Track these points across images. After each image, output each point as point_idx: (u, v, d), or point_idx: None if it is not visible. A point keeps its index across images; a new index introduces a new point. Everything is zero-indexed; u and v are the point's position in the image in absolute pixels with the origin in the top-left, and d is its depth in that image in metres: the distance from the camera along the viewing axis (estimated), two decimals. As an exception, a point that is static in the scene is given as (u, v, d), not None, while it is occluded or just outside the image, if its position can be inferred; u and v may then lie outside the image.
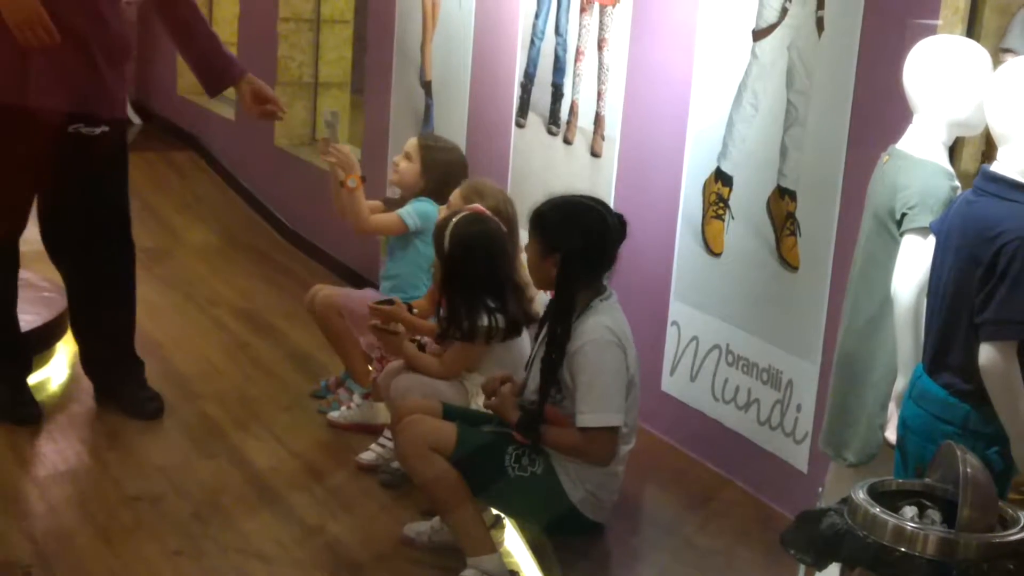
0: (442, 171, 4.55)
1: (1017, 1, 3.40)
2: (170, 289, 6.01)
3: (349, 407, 4.54)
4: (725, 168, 4.09)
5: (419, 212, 4.49)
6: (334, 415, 4.54)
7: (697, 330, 4.25)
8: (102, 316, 4.49)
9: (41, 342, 4.87)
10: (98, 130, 4.16)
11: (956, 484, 2.29)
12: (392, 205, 4.67)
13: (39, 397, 4.66)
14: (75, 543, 3.64)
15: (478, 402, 3.71)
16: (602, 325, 3.36)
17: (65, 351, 5.00)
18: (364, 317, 4.23)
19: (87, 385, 4.74)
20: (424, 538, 3.68)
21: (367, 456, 4.18)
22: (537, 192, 4.54)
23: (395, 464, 4.02)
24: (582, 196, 3.59)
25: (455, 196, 4.19)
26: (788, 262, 3.86)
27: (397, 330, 3.92)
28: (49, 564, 3.51)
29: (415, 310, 4.14)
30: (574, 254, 3.37)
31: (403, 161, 4.62)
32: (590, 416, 3.31)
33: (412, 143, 4.68)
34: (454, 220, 3.81)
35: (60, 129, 4.10)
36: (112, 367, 4.56)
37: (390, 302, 4.15)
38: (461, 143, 5.48)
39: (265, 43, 7.30)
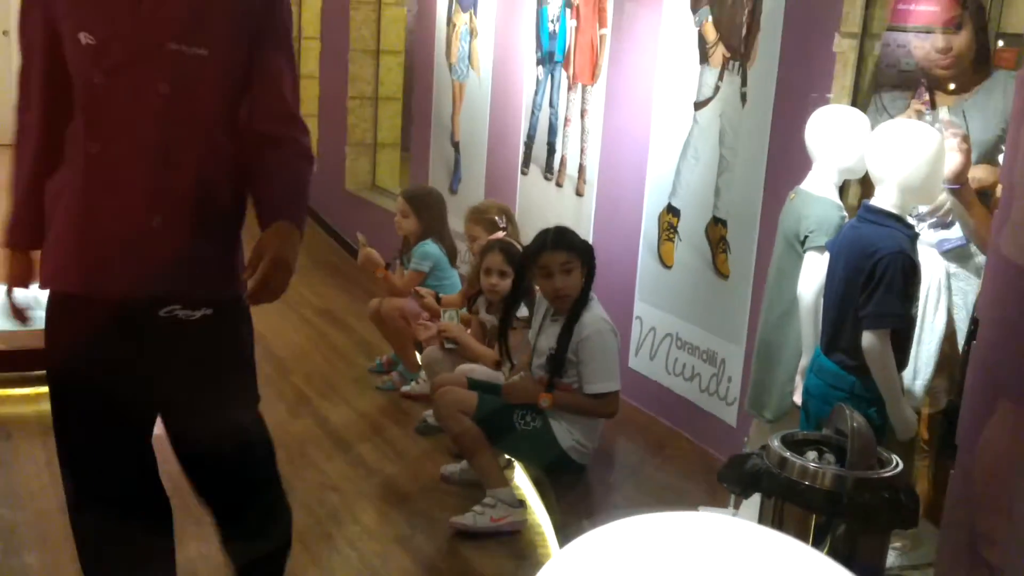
0: (432, 211, 4.47)
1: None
2: (269, 294, 6.01)
3: (419, 383, 4.44)
4: (675, 203, 4.08)
5: (424, 256, 4.43)
6: (406, 388, 4.48)
7: (655, 323, 4.24)
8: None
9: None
10: (198, 313, 2.17)
11: (846, 435, 2.29)
12: (406, 248, 4.58)
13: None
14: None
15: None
16: (601, 318, 3.37)
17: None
18: (419, 316, 4.28)
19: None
20: (455, 476, 3.67)
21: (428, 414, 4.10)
22: (538, 222, 4.53)
23: (430, 419, 4.00)
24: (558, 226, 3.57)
25: (470, 227, 4.16)
26: (721, 273, 3.85)
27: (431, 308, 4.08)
28: (181, 494, 3.49)
29: (441, 300, 4.25)
30: (593, 258, 3.42)
31: (403, 219, 4.49)
32: (600, 384, 3.32)
33: (400, 204, 4.49)
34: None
35: (147, 316, 2.14)
36: None
37: (436, 296, 4.23)
38: (480, 187, 5.50)
39: (338, 114, 7.32)
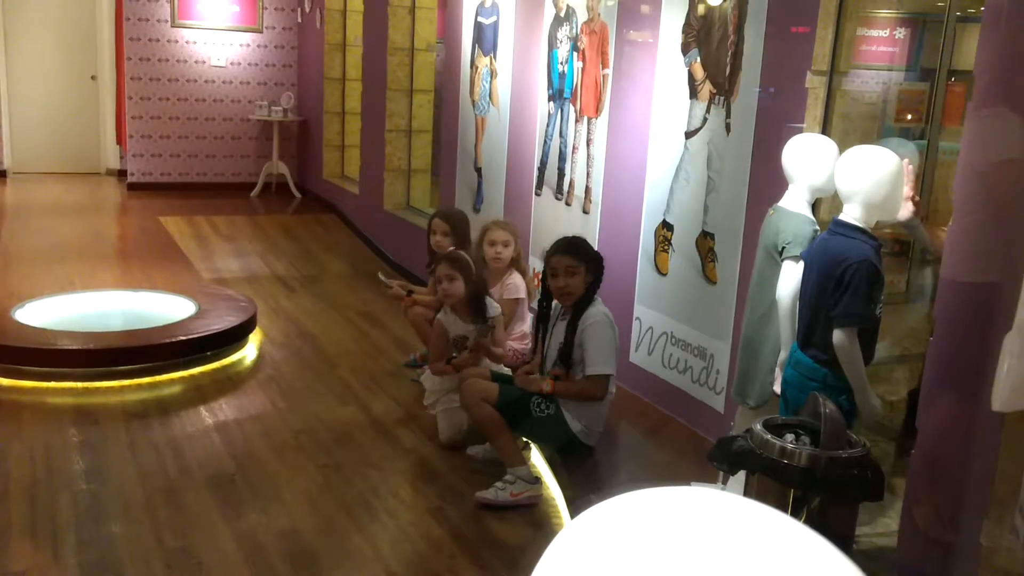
0: (463, 229, 4.46)
1: (855, 110, 3.36)
2: (320, 300, 6.02)
3: None
4: (669, 219, 4.06)
5: None
6: None
7: (652, 323, 4.22)
8: None
9: (239, 334, 4.90)
10: None
11: (819, 420, 2.27)
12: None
13: (237, 369, 4.67)
14: (261, 459, 3.66)
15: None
16: (602, 312, 3.39)
17: (254, 341, 5.02)
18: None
19: (269, 360, 4.74)
20: (480, 455, 3.66)
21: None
22: (550, 237, 4.54)
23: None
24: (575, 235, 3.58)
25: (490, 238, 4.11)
26: (710, 279, 3.83)
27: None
28: (245, 471, 3.53)
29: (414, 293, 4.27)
30: (600, 266, 3.40)
31: (443, 238, 4.43)
32: (596, 367, 3.32)
33: (440, 224, 4.43)
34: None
35: None
36: None
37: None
38: (500, 208, 5.49)
39: (378, 145, 7.33)
